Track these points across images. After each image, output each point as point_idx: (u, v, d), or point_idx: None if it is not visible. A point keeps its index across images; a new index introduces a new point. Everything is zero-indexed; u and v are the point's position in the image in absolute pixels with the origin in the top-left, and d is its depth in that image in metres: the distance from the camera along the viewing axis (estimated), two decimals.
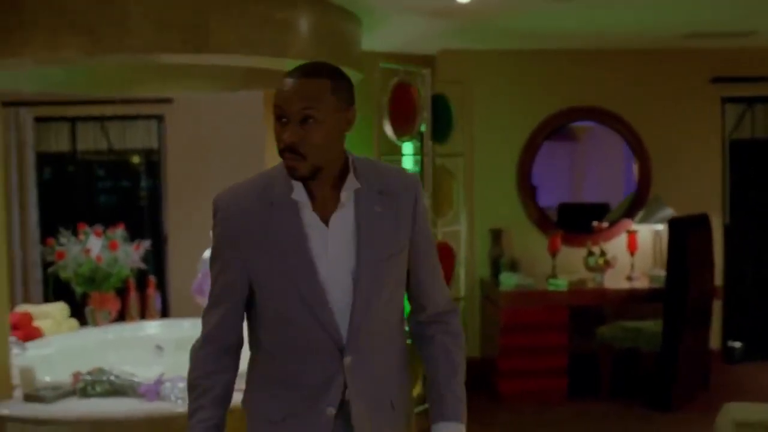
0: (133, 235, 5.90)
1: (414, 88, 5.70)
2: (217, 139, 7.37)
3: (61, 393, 4.28)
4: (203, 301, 3.28)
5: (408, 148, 6.03)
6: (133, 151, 7.75)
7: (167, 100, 7.26)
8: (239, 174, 2.57)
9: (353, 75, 5.38)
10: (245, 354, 2.35)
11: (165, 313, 6.34)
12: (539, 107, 7.07)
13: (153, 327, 5.69)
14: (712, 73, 7.12)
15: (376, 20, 5.48)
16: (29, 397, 4.28)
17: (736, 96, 7.22)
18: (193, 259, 5.61)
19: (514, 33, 6.25)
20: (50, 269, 5.69)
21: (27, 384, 4.33)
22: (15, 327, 5.13)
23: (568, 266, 6.97)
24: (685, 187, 7.15)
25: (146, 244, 5.80)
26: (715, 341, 7.08)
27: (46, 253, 5.74)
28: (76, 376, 4.43)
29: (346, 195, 2.16)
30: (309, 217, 2.16)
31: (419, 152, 6.03)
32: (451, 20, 5.67)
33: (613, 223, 7.23)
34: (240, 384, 2.35)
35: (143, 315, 5.87)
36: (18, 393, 4.36)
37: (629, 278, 6.80)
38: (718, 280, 6.88)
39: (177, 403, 4.05)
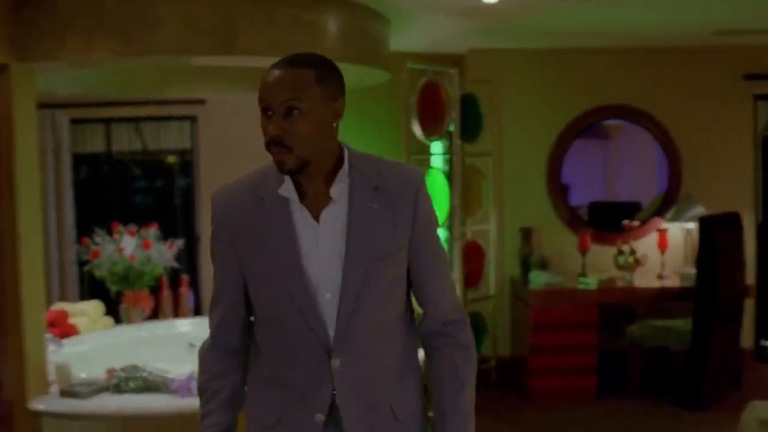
0: (167, 234, 5.99)
1: (442, 88, 5.73)
2: (248, 139, 7.39)
3: (95, 389, 4.38)
4: None
5: (437, 147, 6.06)
6: (166, 151, 7.85)
7: (200, 102, 7.35)
8: None
9: (382, 75, 5.44)
10: None
11: (197, 311, 6.42)
12: (569, 106, 7.07)
13: (185, 325, 5.78)
14: (744, 70, 7.07)
15: (404, 21, 5.52)
16: (65, 393, 4.38)
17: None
18: None
19: (542, 32, 6.26)
20: (85, 268, 5.79)
21: (63, 380, 4.44)
22: (51, 324, 5.23)
23: (598, 265, 6.96)
24: (717, 185, 7.11)
25: (179, 243, 5.88)
26: (747, 340, 7.03)
27: (81, 253, 5.85)
28: (111, 372, 4.52)
29: (337, 190, 2.06)
30: (299, 213, 2.07)
31: (448, 152, 6.06)
32: (480, 20, 5.70)
33: (643, 222, 7.21)
34: None
35: (176, 313, 5.95)
36: (54, 389, 4.47)
37: (660, 277, 6.78)
38: (751, 278, 6.84)
39: None
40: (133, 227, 5.77)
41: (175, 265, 5.84)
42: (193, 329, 5.68)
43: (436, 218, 2.23)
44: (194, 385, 4.20)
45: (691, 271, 6.49)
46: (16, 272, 4.36)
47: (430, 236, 2.17)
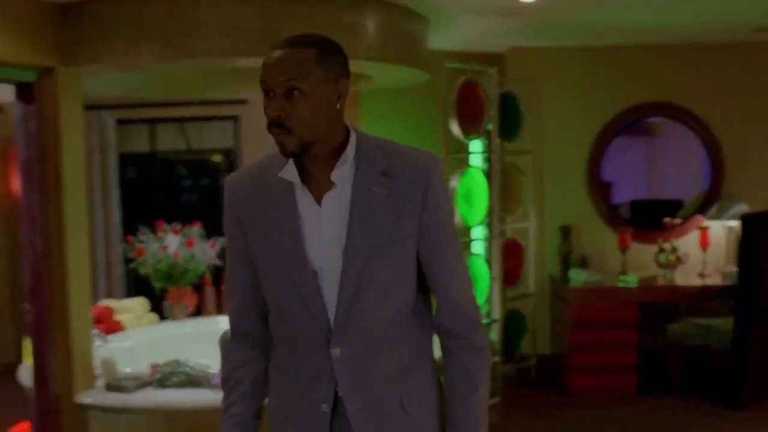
0: (211, 233, 6.10)
1: (480, 86, 5.76)
2: None
3: (140, 383, 4.50)
4: None
5: (476, 146, 6.09)
6: (210, 150, 7.98)
7: (242, 102, 7.47)
8: None
9: (420, 75, 5.48)
10: None
11: None
12: (609, 104, 7.05)
13: (227, 321, 5.86)
14: None
15: (442, 20, 5.56)
16: (111, 387, 4.50)
17: None
18: None
19: (582, 29, 6.26)
20: (131, 265, 5.93)
21: (108, 374, 4.56)
22: (98, 321, 5.37)
23: (639, 263, 6.93)
24: (760, 182, 7.05)
25: (222, 241, 5.98)
26: None
27: (127, 251, 5.98)
28: (155, 367, 4.63)
29: (338, 174, 1.98)
30: (302, 197, 2.01)
31: (487, 150, 6.09)
32: (518, 19, 5.72)
33: (685, 220, 7.16)
34: None
35: (218, 310, 6.06)
36: (100, 383, 4.60)
37: (701, 275, 6.74)
38: None
39: None
40: (177, 226, 5.89)
41: (218, 262, 5.94)
42: None
43: (450, 208, 2.14)
44: None
45: (733, 269, 6.44)
46: (63, 271, 4.49)
47: (441, 226, 2.05)
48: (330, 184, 1.99)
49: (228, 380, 2.18)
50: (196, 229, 5.92)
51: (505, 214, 6.35)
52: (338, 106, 1.97)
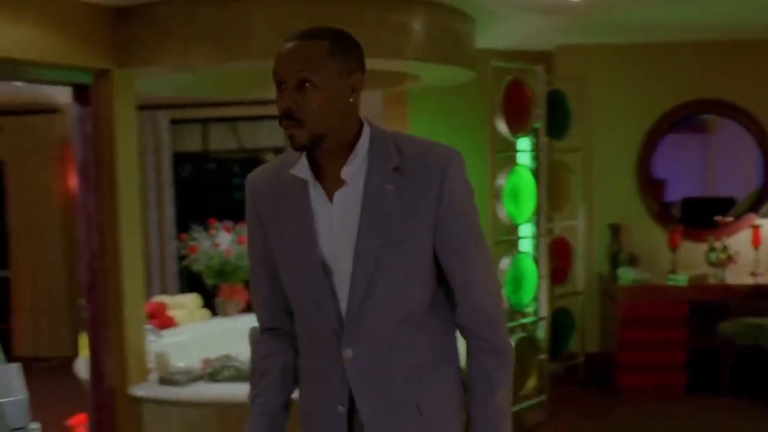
0: None
1: (527, 85, 5.77)
2: None
3: (192, 377, 4.61)
4: None
5: (524, 144, 6.10)
6: (261, 149, 8.09)
7: None
8: None
9: (467, 74, 5.51)
10: None
11: None
12: (658, 101, 7.00)
13: None
14: None
15: (489, 19, 5.58)
16: (163, 380, 4.62)
17: None
18: None
19: (630, 27, 6.23)
20: (184, 262, 6.05)
21: (162, 368, 4.68)
22: (151, 316, 5.50)
23: (689, 261, 6.87)
24: None
25: None
26: None
27: (180, 248, 6.11)
28: (206, 362, 4.74)
29: (348, 170, 1.92)
30: (315, 194, 1.96)
31: (534, 149, 6.10)
32: (565, 17, 5.72)
33: (737, 218, 7.09)
34: None
35: None
36: (153, 376, 4.72)
37: (753, 274, 6.67)
38: None
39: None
40: (228, 223, 5.99)
41: None
42: None
43: (470, 203, 2.02)
44: None
45: None
46: (117, 268, 4.62)
47: (458, 220, 1.97)
48: (341, 181, 1.93)
49: (255, 371, 2.16)
50: None
51: (553, 212, 6.34)
52: (351, 100, 1.91)
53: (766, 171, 7.05)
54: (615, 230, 6.93)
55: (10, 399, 1.29)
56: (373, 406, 1.98)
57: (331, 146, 1.91)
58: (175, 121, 7.86)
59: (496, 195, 5.55)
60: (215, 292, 6.10)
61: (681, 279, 6.40)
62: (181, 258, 6.20)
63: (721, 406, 6.06)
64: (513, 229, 5.95)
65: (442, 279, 2.04)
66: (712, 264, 6.65)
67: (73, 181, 7.32)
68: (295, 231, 1.97)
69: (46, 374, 7.06)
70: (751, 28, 6.36)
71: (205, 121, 7.91)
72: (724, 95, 6.96)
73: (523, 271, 5.68)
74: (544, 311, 6.01)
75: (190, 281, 7.11)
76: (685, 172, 7.63)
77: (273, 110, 8.15)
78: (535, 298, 5.84)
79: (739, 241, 6.89)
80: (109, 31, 4.54)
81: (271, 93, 6.35)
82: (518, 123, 5.67)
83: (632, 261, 6.79)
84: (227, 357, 4.71)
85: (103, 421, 4.70)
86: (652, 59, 6.98)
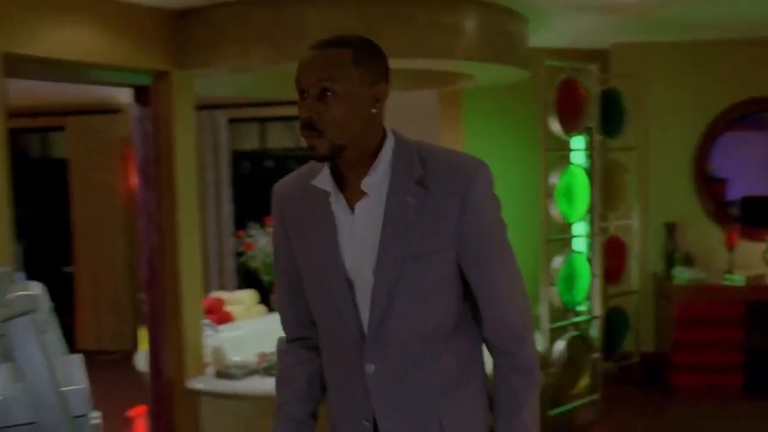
0: None
1: (581, 83, 5.77)
2: None
3: (247, 371, 4.71)
4: None
5: (578, 142, 6.09)
6: None
7: None
8: None
9: (520, 74, 5.53)
10: None
11: None
12: (715, 99, 6.92)
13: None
14: None
15: (542, 18, 5.59)
16: (220, 374, 4.73)
17: None
18: None
19: (686, 24, 6.18)
20: (241, 259, 6.16)
21: (218, 362, 4.79)
22: (209, 311, 5.61)
23: (746, 261, 6.78)
24: None
25: None
26: None
27: (237, 245, 6.22)
28: (262, 356, 4.84)
29: (369, 181, 1.89)
30: (337, 204, 1.93)
31: (588, 147, 6.08)
32: (619, 15, 5.69)
33: None
34: None
35: None
36: (210, 370, 4.83)
37: None
38: None
39: None
40: None
41: None
42: None
43: (496, 218, 1.97)
44: None
45: None
46: (176, 264, 4.74)
47: (482, 233, 1.92)
48: (365, 192, 1.90)
49: (281, 380, 2.13)
50: None
51: (607, 211, 6.32)
52: (374, 110, 1.88)
53: None
54: (670, 229, 6.87)
55: (72, 387, 1.38)
56: (394, 422, 1.95)
57: (352, 156, 1.88)
58: (233, 120, 7.99)
59: (548, 194, 5.56)
60: (271, 289, 6.19)
61: (738, 279, 6.33)
62: (239, 255, 6.31)
63: None
64: (566, 228, 5.94)
65: (469, 294, 2.00)
66: None
67: (134, 180, 7.49)
68: (318, 242, 1.94)
69: (108, 367, 7.24)
70: None
71: (262, 120, 8.02)
72: None
73: (576, 269, 5.68)
74: (598, 310, 6.00)
75: (247, 278, 7.22)
76: (746, 171, 7.50)
77: None
78: (588, 297, 5.84)
79: None
80: (169, 34, 4.67)
81: None
82: (571, 122, 5.67)
83: (687, 260, 6.73)
84: None
85: (162, 413, 4.83)
86: (707, 57, 6.90)
